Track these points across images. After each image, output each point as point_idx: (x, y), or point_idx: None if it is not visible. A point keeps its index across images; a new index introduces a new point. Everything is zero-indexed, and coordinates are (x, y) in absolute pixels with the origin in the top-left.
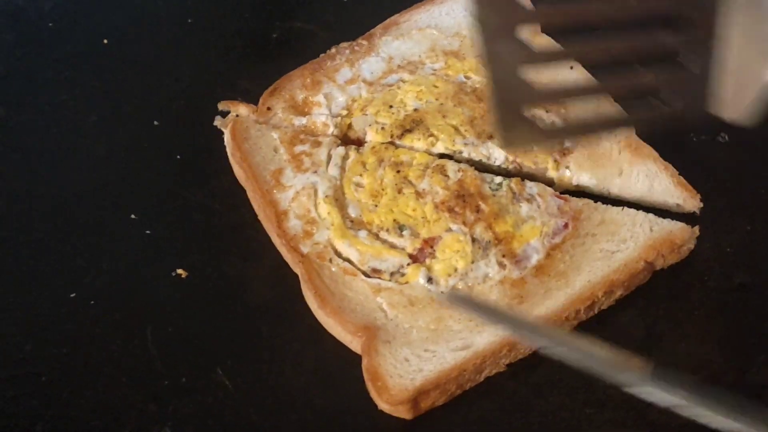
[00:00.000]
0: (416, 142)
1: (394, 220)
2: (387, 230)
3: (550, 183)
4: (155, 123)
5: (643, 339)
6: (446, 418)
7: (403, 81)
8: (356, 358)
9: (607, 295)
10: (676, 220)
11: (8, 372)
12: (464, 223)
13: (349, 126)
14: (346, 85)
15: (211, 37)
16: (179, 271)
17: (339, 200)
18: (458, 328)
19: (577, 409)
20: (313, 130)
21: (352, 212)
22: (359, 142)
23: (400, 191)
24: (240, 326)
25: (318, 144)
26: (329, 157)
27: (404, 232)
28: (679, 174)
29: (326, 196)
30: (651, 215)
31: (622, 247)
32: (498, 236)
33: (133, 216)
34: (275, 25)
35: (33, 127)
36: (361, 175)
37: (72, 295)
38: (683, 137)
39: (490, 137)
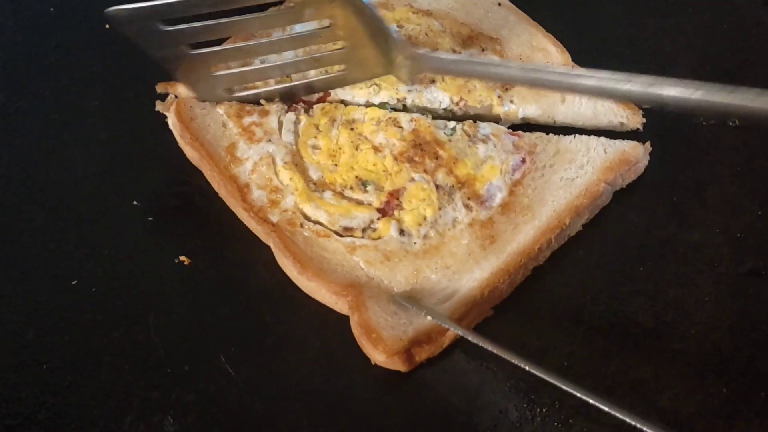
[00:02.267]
0: (358, 92)
1: (356, 177)
2: (351, 188)
3: (497, 120)
4: (156, 109)
5: (652, 326)
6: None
7: None
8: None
9: (574, 221)
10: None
11: (10, 360)
12: (426, 171)
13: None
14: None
15: None
16: (181, 257)
17: (299, 165)
18: (436, 278)
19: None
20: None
21: (314, 175)
22: (306, 100)
23: (357, 148)
24: (243, 313)
25: (266, 113)
26: (280, 124)
27: (368, 188)
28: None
29: (285, 163)
30: (603, 138)
31: (580, 172)
32: (460, 180)
33: (135, 203)
34: None
35: (34, 113)
36: (315, 137)
37: (73, 283)
38: (693, 121)
39: (433, 81)
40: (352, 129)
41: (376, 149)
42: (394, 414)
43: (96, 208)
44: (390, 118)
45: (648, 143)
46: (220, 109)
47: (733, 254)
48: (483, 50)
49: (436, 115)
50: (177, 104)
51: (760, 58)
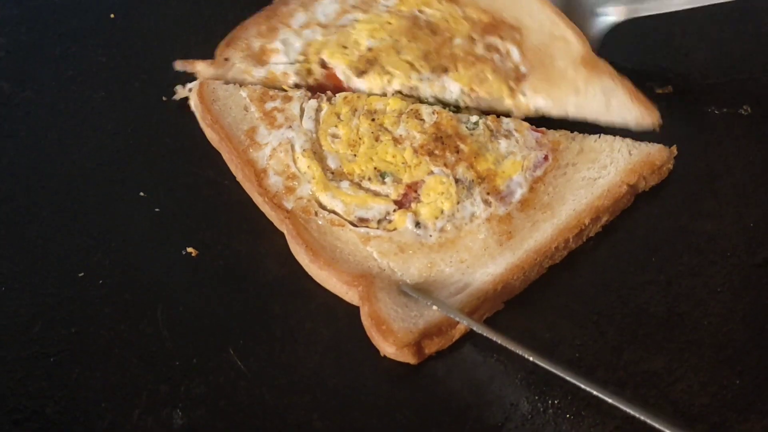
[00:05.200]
0: (372, 81)
1: (375, 168)
2: (369, 179)
3: (507, 113)
4: (163, 99)
5: (665, 317)
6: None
7: (357, 21)
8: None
9: (593, 222)
10: (653, 141)
11: (17, 353)
12: (445, 165)
13: (309, 71)
14: (301, 29)
15: (221, 11)
16: (189, 249)
17: (317, 153)
18: (450, 271)
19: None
20: (273, 80)
21: (332, 164)
22: (323, 89)
23: (377, 139)
24: (252, 305)
25: (289, 99)
26: (302, 111)
27: (386, 179)
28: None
29: (304, 150)
30: (628, 139)
31: (603, 173)
32: (480, 174)
33: (141, 194)
34: None
35: (39, 104)
36: (336, 126)
37: (80, 275)
38: (705, 110)
39: (445, 71)
40: (373, 120)
41: (397, 141)
42: (405, 407)
43: (103, 199)
44: (412, 109)
45: (674, 147)
46: (244, 92)
47: (746, 245)
48: (502, 39)
49: (446, 104)
50: (200, 86)
51: None
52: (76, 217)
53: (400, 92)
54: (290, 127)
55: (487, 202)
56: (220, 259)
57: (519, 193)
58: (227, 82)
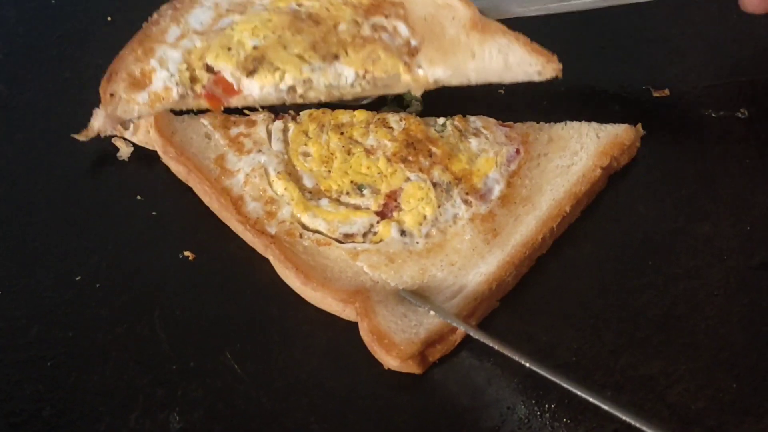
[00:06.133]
0: (264, 79)
1: (351, 182)
2: (347, 193)
3: (407, 88)
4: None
5: (662, 320)
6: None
7: (235, 23)
8: None
9: (574, 209)
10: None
11: (14, 356)
12: (421, 170)
13: (194, 79)
14: (178, 41)
15: None
16: (186, 252)
17: (292, 174)
18: (443, 275)
19: (595, 391)
20: (157, 100)
21: (308, 183)
22: (213, 97)
23: (349, 152)
24: (249, 308)
25: (253, 123)
26: (269, 133)
27: (364, 192)
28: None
29: (278, 173)
30: (594, 123)
31: (575, 159)
32: (456, 175)
33: (139, 197)
34: None
35: (36, 106)
36: (306, 144)
37: (77, 278)
38: (702, 113)
39: (336, 57)
40: (342, 133)
41: (369, 152)
42: (402, 410)
43: (99, 202)
44: (379, 119)
45: (639, 125)
46: (205, 120)
47: (743, 247)
48: (386, 17)
49: (344, 92)
50: (155, 119)
51: None
52: (73, 221)
53: (293, 88)
54: (260, 151)
55: (467, 202)
56: (216, 262)
57: (497, 190)
58: (120, 119)
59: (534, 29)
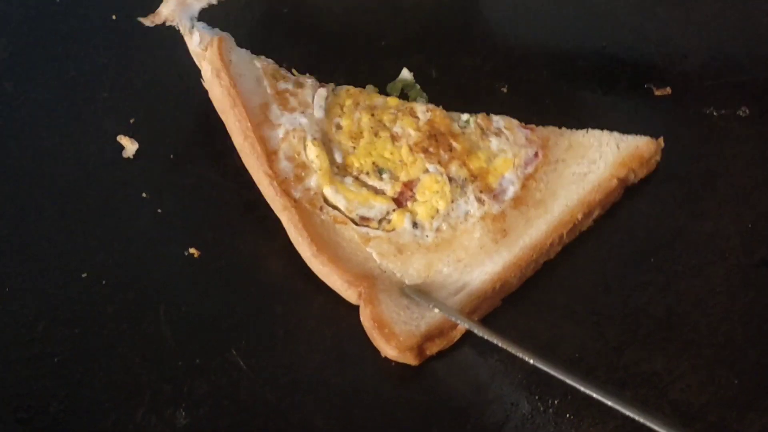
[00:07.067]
0: None
1: (374, 163)
2: (367, 173)
3: None
4: (166, 99)
5: (664, 318)
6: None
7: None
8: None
9: (586, 217)
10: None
11: (21, 353)
12: (439, 163)
13: None
14: None
15: (223, 9)
16: (191, 250)
17: (326, 144)
18: (448, 271)
19: (597, 388)
20: None
21: (338, 157)
22: None
23: (376, 134)
24: (254, 305)
25: (300, 85)
26: (313, 99)
27: (384, 176)
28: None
29: (314, 139)
30: (616, 133)
31: (593, 168)
32: (473, 173)
33: (144, 194)
34: None
35: (41, 104)
36: (339, 116)
37: (83, 275)
38: (703, 111)
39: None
40: (372, 114)
41: (394, 138)
42: (406, 406)
43: (105, 200)
44: (407, 107)
45: (661, 139)
46: (258, 63)
47: (744, 245)
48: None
49: None
50: (218, 42)
51: None
52: (79, 218)
53: None
54: (303, 113)
55: (480, 201)
56: (222, 259)
57: (512, 191)
58: (190, 7)
59: (533, 28)
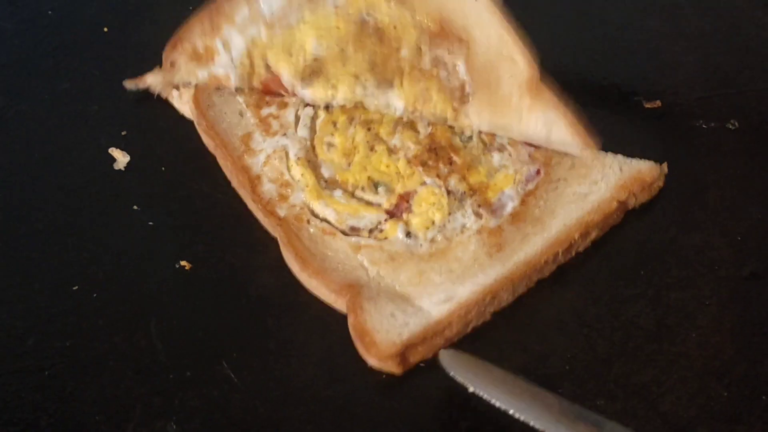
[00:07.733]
0: (317, 93)
1: (369, 178)
2: (362, 188)
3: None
4: (157, 111)
5: (654, 330)
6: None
7: (304, 21)
8: None
9: (583, 237)
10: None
11: (11, 366)
12: (438, 176)
13: (251, 74)
14: (245, 25)
15: None
16: (183, 262)
17: (311, 161)
18: (439, 280)
19: (588, 400)
20: (218, 81)
21: (326, 173)
22: (269, 91)
23: (372, 149)
24: (245, 318)
25: (284, 105)
26: (297, 118)
27: (379, 189)
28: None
29: (298, 158)
30: (620, 156)
31: (594, 189)
32: (472, 187)
33: (135, 207)
34: None
35: (33, 117)
36: (332, 134)
37: (74, 288)
38: (693, 124)
39: (390, 85)
40: (369, 129)
41: (391, 151)
42: (398, 419)
43: (96, 212)
44: (408, 121)
45: (665, 164)
46: (240, 98)
47: (734, 257)
48: (449, 52)
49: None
50: (195, 91)
51: (761, 60)
52: (70, 231)
53: (343, 106)
54: (285, 134)
55: (478, 214)
56: (213, 272)
57: (510, 206)
58: (176, 87)
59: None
